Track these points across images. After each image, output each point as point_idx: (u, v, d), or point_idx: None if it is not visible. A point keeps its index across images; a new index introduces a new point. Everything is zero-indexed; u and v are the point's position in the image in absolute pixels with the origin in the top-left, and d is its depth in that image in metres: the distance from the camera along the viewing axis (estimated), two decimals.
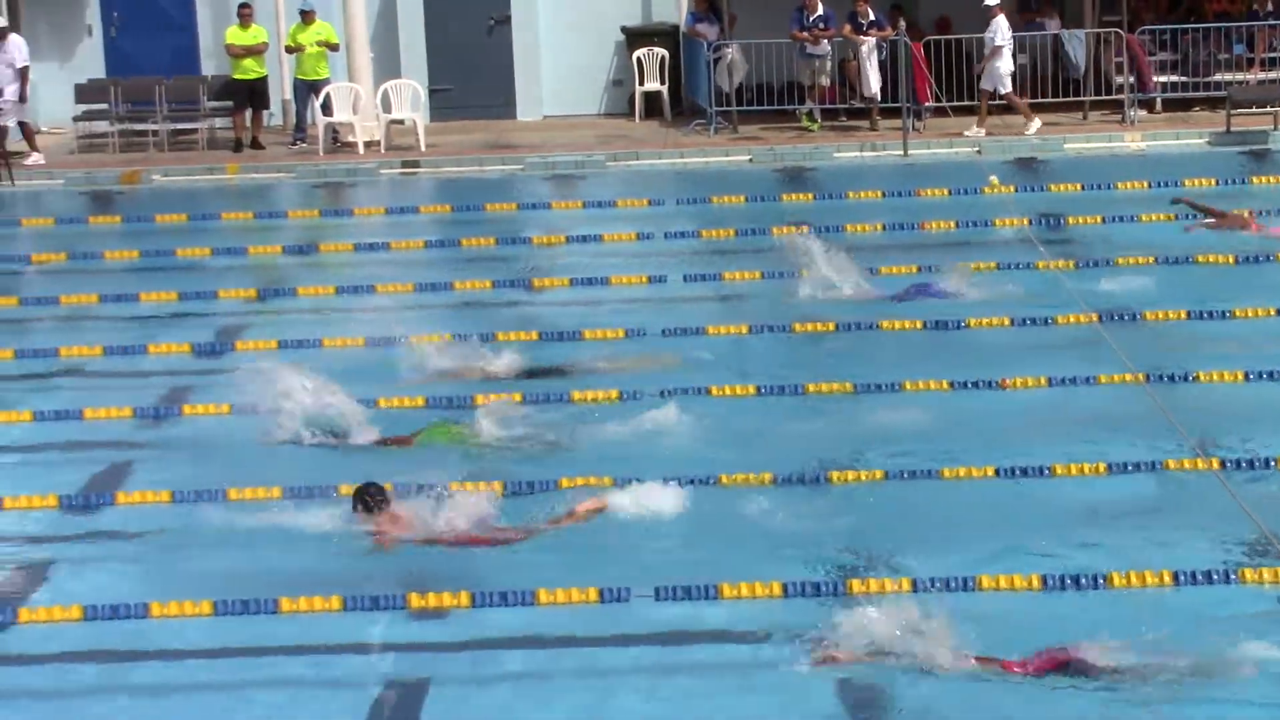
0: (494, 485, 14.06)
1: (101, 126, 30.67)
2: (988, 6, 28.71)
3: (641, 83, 31.25)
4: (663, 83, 31.20)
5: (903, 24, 28.98)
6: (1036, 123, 28.94)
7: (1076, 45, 29.72)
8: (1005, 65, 28.81)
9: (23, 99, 29.36)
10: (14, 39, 28.53)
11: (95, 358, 18.50)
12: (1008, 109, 29.32)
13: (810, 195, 25.81)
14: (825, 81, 29.84)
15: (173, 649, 11.71)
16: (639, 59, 31.16)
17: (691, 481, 14.18)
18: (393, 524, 13.55)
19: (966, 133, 28.74)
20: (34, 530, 14.00)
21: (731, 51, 29.40)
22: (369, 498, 13.51)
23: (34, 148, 29.50)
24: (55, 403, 16.76)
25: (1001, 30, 28.70)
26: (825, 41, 29.46)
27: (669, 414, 15.92)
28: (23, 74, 28.88)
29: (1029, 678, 10.84)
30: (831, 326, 18.85)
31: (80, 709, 11.12)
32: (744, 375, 17.03)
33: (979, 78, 29.15)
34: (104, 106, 30.65)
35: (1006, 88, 28.96)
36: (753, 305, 19.68)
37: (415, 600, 12.09)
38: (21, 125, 29.56)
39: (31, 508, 14.30)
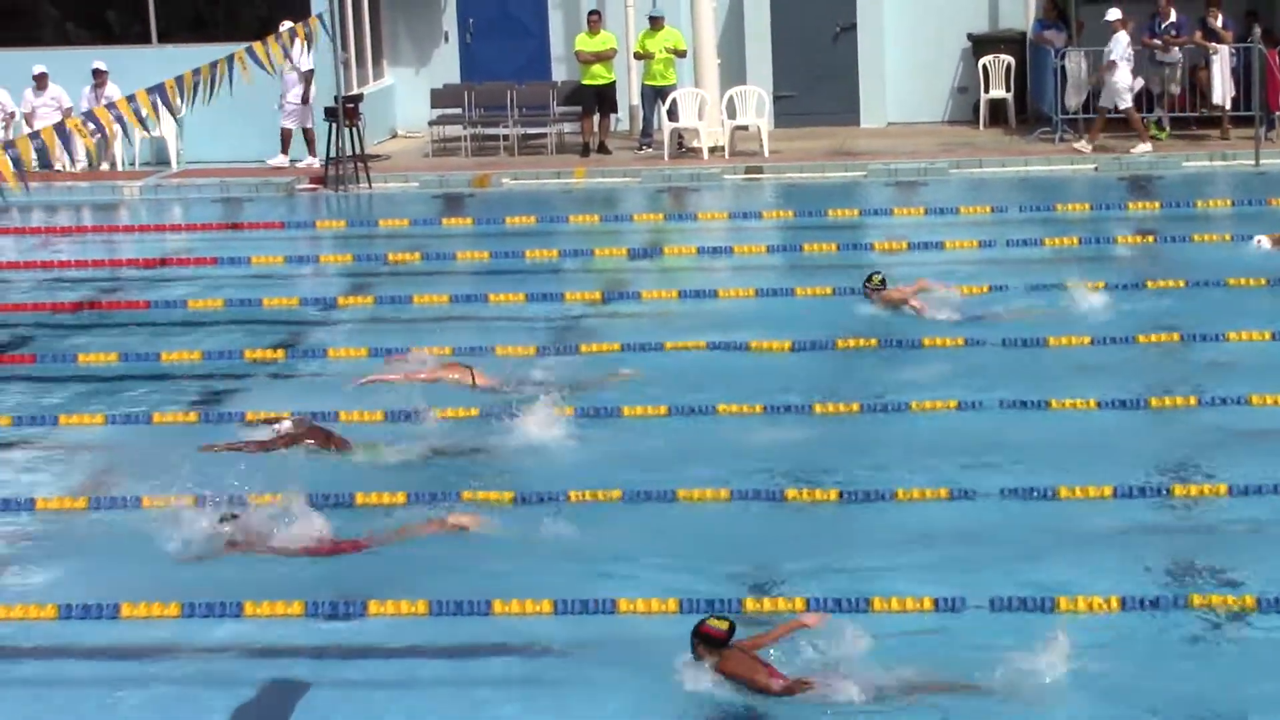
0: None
1: (455, 130, 31.26)
2: (1108, 21, 28.09)
3: (986, 90, 30.92)
4: (1008, 90, 30.84)
5: (1257, 30, 28.22)
6: (1146, 145, 28.22)
7: None
8: (1124, 80, 28.16)
9: (305, 100, 30.07)
10: (299, 43, 28.86)
11: (444, 358, 18.73)
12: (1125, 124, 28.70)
13: (1156, 204, 25.21)
14: (1175, 89, 29.19)
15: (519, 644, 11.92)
16: (985, 66, 30.83)
17: (1030, 493, 14.06)
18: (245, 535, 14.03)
19: (1077, 146, 28.38)
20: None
21: (1074, 65, 28.99)
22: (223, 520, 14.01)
23: (313, 153, 30.24)
24: (406, 401, 17.06)
25: (1120, 45, 28.04)
26: (1176, 49, 28.84)
27: (1007, 425, 15.79)
28: (307, 78, 29.54)
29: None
30: (1176, 337, 18.45)
31: (428, 698, 11.31)
32: (1086, 388, 16.69)
33: (1098, 94, 28.60)
34: (458, 111, 31.23)
35: (1126, 103, 28.24)
36: (1097, 316, 19.33)
37: (750, 604, 12.12)
38: (304, 131, 30.27)
39: (382, 504, 14.54)
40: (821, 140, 30.43)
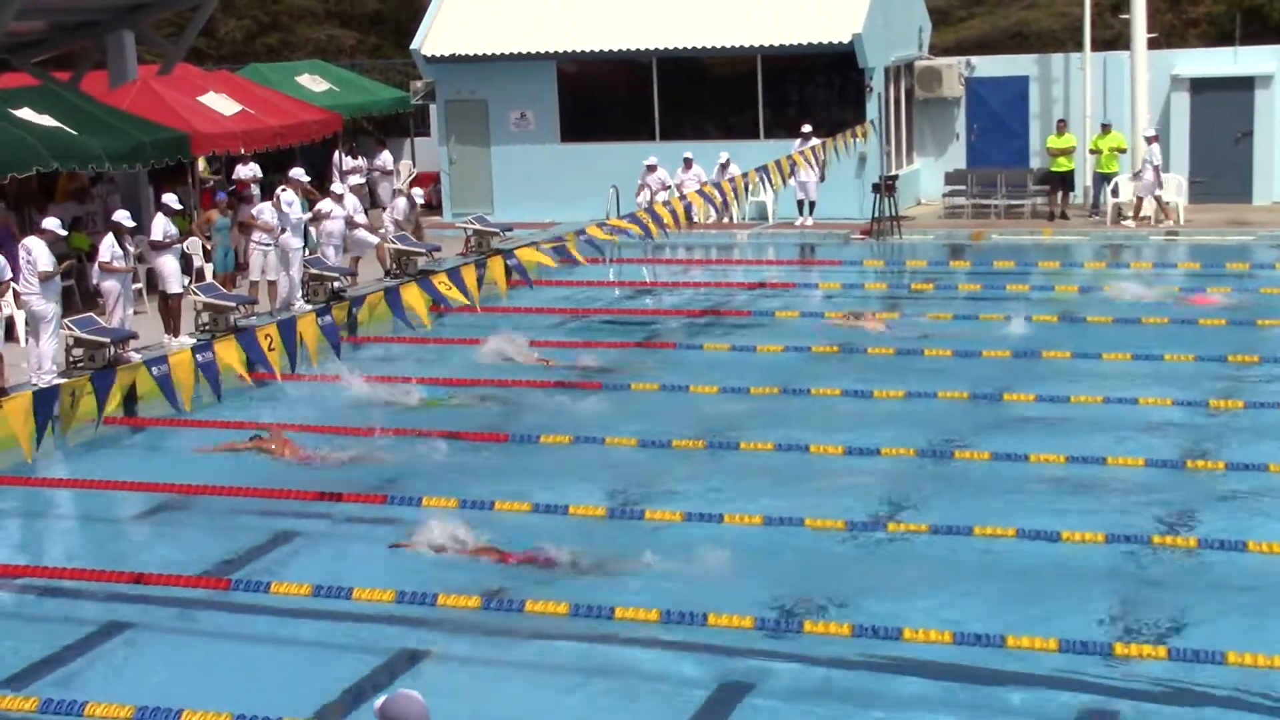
0: None
1: (959, 201, 30.81)
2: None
3: None
4: None
5: None
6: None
7: None
8: None
9: (822, 179, 28.88)
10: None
11: (946, 359, 18.37)
12: None
13: None
14: None
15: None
16: None
17: None
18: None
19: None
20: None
21: None
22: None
23: (810, 214, 29.51)
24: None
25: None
26: None
27: None
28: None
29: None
30: None
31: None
32: None
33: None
34: (962, 188, 30.79)
35: None
36: None
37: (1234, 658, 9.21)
38: (810, 204, 29.27)
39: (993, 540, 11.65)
40: (1223, 213, 28.75)
